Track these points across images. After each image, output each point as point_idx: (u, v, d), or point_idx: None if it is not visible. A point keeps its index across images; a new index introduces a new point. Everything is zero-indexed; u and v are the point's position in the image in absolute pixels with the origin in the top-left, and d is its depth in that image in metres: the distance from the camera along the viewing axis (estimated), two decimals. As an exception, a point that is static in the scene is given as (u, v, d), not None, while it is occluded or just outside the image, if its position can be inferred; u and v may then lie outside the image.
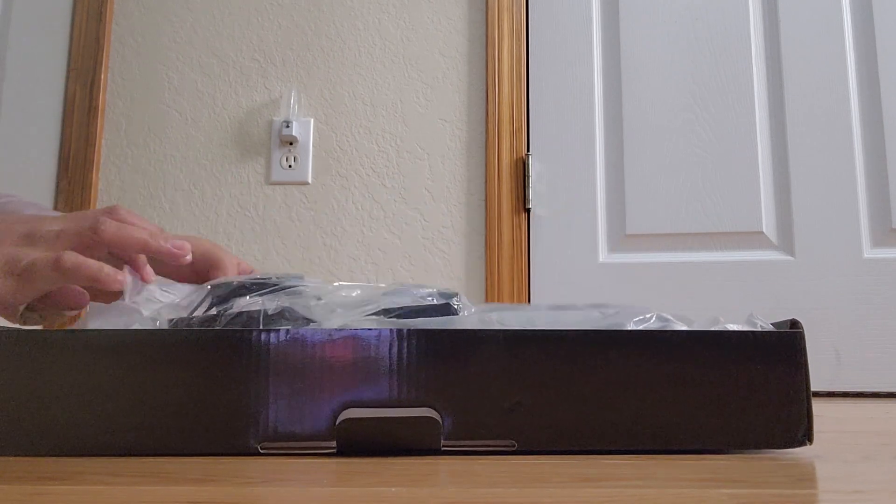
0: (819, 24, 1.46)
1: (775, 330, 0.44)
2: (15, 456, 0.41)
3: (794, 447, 0.43)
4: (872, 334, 1.33)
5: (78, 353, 0.41)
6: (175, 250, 0.51)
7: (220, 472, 0.37)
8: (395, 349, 0.42)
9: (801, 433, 0.43)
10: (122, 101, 1.62)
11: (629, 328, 0.46)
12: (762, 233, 1.40)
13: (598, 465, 0.39)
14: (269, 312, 0.44)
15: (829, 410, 0.91)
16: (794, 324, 0.44)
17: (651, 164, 1.39)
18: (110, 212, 0.51)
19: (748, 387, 0.43)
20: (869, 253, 1.37)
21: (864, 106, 1.42)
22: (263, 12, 1.64)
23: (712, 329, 0.45)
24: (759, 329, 0.45)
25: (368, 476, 0.36)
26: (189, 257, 0.51)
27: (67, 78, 1.61)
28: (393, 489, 0.32)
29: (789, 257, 1.39)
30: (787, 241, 1.40)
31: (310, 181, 1.56)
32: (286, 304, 0.45)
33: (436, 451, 0.42)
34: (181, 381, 0.41)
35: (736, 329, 0.45)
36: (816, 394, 1.30)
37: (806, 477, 0.36)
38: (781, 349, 0.43)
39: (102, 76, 1.61)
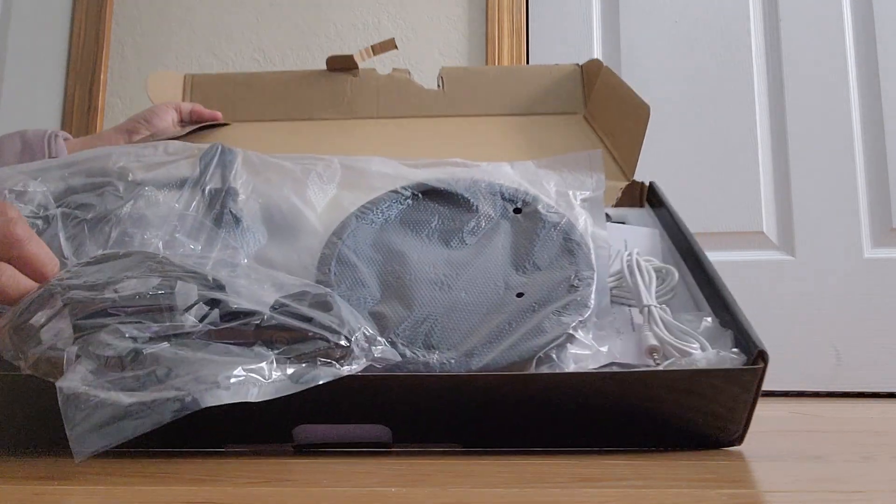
0: (819, 24, 1.45)
1: (735, 368, 0.43)
2: (15, 455, 0.41)
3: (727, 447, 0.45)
4: (872, 334, 1.33)
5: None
6: None
7: (220, 472, 0.37)
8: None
9: (735, 437, 0.45)
10: (122, 101, 1.62)
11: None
12: (762, 233, 1.40)
13: (598, 465, 0.39)
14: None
15: (829, 410, 0.90)
16: (761, 356, 0.43)
17: (650, 164, 1.38)
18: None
19: (697, 405, 0.44)
20: (869, 253, 1.37)
21: (864, 106, 1.42)
22: (263, 12, 1.64)
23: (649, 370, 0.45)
24: (729, 363, 0.44)
25: (368, 476, 0.36)
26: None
27: (67, 78, 1.61)
28: (393, 489, 0.32)
29: (789, 257, 1.39)
30: (787, 241, 1.40)
31: (310, 181, 1.56)
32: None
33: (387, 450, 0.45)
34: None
35: (686, 369, 0.44)
36: (816, 394, 1.30)
37: (805, 477, 0.36)
38: (738, 382, 0.43)
39: (102, 76, 1.61)
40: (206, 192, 0.55)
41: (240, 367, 0.38)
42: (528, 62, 1.54)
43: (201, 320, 0.39)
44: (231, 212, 0.53)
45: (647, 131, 0.68)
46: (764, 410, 0.90)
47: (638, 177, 0.72)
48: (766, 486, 0.33)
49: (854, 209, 1.38)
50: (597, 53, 1.52)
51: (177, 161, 0.58)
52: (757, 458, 0.42)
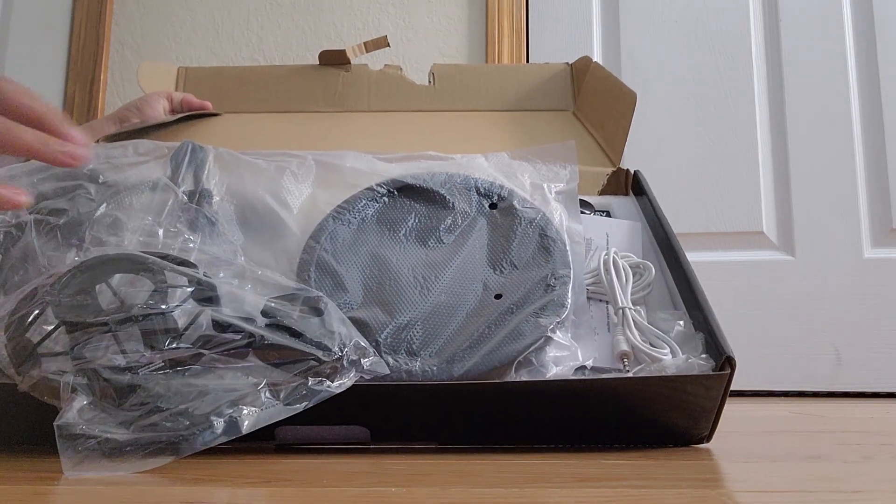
0: (819, 24, 1.45)
1: (702, 374, 0.44)
2: (15, 455, 0.41)
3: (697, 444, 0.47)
4: (872, 334, 1.33)
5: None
6: (69, 159, 0.43)
7: (219, 472, 0.37)
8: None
9: (704, 435, 0.47)
10: (122, 101, 1.62)
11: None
12: (762, 233, 1.40)
13: (598, 465, 0.39)
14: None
15: (830, 410, 0.90)
16: (729, 361, 0.44)
17: (650, 165, 1.38)
18: None
19: (667, 407, 0.45)
20: (869, 253, 1.37)
21: (864, 106, 1.42)
22: (263, 12, 1.64)
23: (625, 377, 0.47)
24: (696, 370, 0.45)
25: (368, 476, 0.36)
26: (88, 164, 0.44)
27: (67, 78, 1.61)
28: (393, 489, 0.32)
29: (789, 257, 1.39)
30: (787, 241, 1.40)
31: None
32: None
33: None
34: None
35: (657, 375, 0.45)
36: (816, 394, 1.30)
37: (805, 477, 0.36)
38: (706, 387, 0.44)
39: (102, 76, 1.61)
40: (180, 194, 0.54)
41: (232, 401, 0.39)
42: (528, 63, 1.54)
43: (195, 342, 0.40)
44: (206, 215, 0.53)
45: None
46: (764, 410, 0.90)
47: (637, 175, 0.72)
48: (766, 486, 0.33)
49: (854, 209, 1.38)
50: (597, 54, 1.52)
51: (147, 162, 0.57)
52: (757, 458, 0.42)
